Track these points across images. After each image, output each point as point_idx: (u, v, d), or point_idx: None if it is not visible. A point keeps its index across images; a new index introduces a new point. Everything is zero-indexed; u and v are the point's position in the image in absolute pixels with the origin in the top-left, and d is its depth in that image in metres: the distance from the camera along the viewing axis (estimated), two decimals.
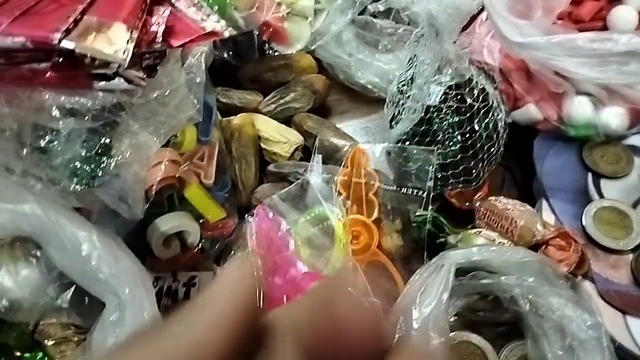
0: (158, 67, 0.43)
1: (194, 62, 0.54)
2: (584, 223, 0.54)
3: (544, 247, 0.52)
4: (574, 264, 0.50)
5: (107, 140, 0.41)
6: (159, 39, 0.38)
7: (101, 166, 0.42)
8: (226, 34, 0.41)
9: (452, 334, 0.49)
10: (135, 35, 0.36)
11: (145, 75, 0.40)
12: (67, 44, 0.34)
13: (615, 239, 0.52)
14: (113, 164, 0.42)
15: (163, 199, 0.52)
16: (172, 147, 0.53)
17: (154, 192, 0.50)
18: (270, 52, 0.72)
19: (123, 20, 0.36)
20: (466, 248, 0.46)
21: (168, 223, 0.52)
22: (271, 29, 0.71)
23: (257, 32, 0.71)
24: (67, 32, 0.34)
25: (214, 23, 0.41)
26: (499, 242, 0.52)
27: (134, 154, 0.43)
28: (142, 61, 0.39)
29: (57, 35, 0.34)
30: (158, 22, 0.39)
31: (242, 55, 0.72)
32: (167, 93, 0.45)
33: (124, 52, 0.35)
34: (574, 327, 0.45)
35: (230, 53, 0.71)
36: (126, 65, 0.35)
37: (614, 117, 0.57)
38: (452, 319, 0.50)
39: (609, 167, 0.58)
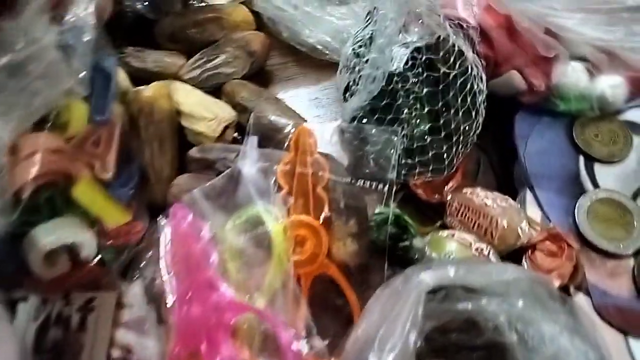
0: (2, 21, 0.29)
1: (80, 15, 0.41)
2: (577, 220, 0.45)
3: (530, 251, 0.43)
4: (567, 275, 0.41)
5: None
6: None
7: None
8: None
9: None
10: None
11: None
12: None
13: (614, 239, 0.44)
14: None
15: (40, 203, 0.41)
16: (51, 131, 0.41)
17: (26, 195, 0.39)
18: (195, 3, 0.62)
19: None
20: (439, 267, 0.36)
21: (48, 234, 0.41)
22: None
23: None
24: None
25: None
26: (477, 247, 0.43)
27: None
28: None
29: None
30: None
31: (159, 6, 0.60)
32: (22, 58, 0.32)
33: None
34: None
35: (145, 3, 0.59)
36: None
37: (611, 87, 0.49)
38: (417, 344, 0.41)
39: (604, 148, 0.49)
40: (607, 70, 0.48)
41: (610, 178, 0.48)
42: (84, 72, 0.39)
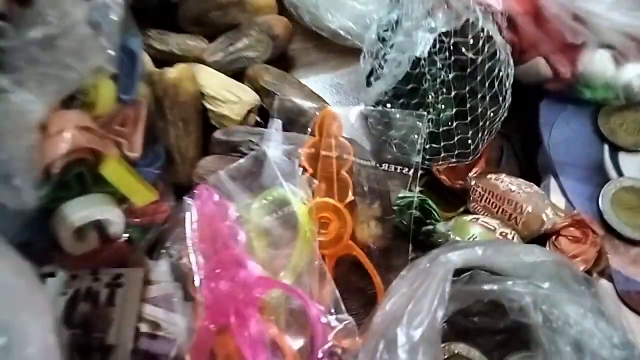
0: None
1: None
2: (600, 208, 0.45)
3: (554, 237, 0.44)
4: (591, 261, 0.42)
5: None
6: None
7: None
8: None
9: (443, 345, 0.41)
10: None
11: (14, 5, 0.27)
12: None
13: (638, 227, 0.45)
14: None
15: (70, 179, 0.41)
16: (81, 109, 0.41)
17: (57, 171, 0.39)
18: None
19: None
20: (466, 247, 0.37)
21: (78, 210, 0.41)
22: None
23: None
24: None
25: None
26: (501, 232, 0.43)
27: (8, 121, 0.31)
28: None
29: None
30: None
31: None
32: (55, 33, 0.32)
33: None
34: (595, 344, 0.36)
35: None
36: None
37: (638, 76, 0.49)
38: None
39: (629, 137, 0.50)
40: (634, 59, 0.48)
41: (635, 167, 0.48)
42: (112, 51, 0.40)
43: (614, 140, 0.49)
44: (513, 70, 0.46)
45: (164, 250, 0.46)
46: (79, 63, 0.33)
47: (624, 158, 0.48)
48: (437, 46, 0.44)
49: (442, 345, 0.41)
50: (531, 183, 0.46)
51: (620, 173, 0.48)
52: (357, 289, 0.44)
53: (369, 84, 0.50)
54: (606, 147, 0.49)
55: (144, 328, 0.42)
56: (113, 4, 0.41)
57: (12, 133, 0.31)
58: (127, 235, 0.46)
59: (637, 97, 0.50)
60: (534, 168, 0.51)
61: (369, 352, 0.34)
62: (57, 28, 0.31)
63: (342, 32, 0.60)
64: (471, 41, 0.43)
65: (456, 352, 0.41)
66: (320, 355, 0.35)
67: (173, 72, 0.50)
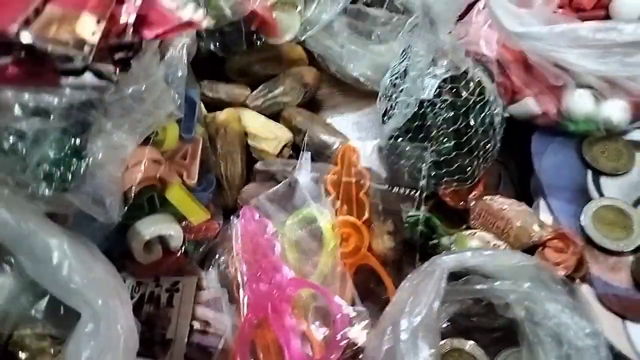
0: (132, 61, 0.40)
1: (175, 55, 0.51)
2: (582, 223, 0.52)
3: (541, 248, 0.50)
4: (572, 267, 0.48)
5: (78, 141, 0.39)
6: (130, 30, 0.35)
7: (72, 169, 0.39)
8: (204, 24, 0.38)
9: (444, 341, 0.47)
10: (102, 26, 0.33)
11: (117, 70, 0.38)
12: (26, 37, 0.31)
13: (616, 240, 0.50)
14: (85, 166, 0.40)
15: (143, 201, 0.49)
16: (152, 146, 0.50)
17: (133, 194, 0.47)
18: (259, 43, 0.68)
19: (89, 10, 0.33)
20: (459, 252, 0.44)
21: (149, 226, 0.49)
22: (259, 19, 0.67)
23: (245, 22, 0.67)
24: (27, 22, 0.31)
25: (191, 12, 0.38)
26: (494, 244, 0.50)
27: (107, 154, 0.41)
28: (113, 54, 0.37)
29: (15, 27, 0.31)
30: (129, 12, 0.36)
31: (229, 46, 0.68)
32: (143, 88, 0.42)
33: (88, 45, 0.32)
34: (571, 335, 0.43)
35: (217, 44, 0.68)
36: (90, 60, 0.32)
37: (615, 110, 0.55)
38: (444, 325, 0.48)
39: (609, 163, 0.55)
40: (611, 96, 0.55)
41: (614, 189, 0.54)
42: (179, 100, 0.50)
43: (596, 166, 0.55)
44: (502, 109, 0.53)
45: (214, 261, 0.54)
46: (158, 110, 0.43)
47: (605, 181, 0.54)
48: (438, 90, 0.52)
49: (444, 340, 0.48)
50: (522, 202, 0.53)
51: (601, 194, 0.54)
52: (374, 293, 0.50)
53: (383, 122, 0.58)
54: (589, 172, 0.55)
55: (196, 325, 0.49)
56: (180, 62, 0.51)
57: (109, 163, 0.41)
58: (184, 248, 0.52)
59: (616, 129, 0.56)
60: (527, 191, 0.58)
61: (379, 335, 0.42)
62: (144, 85, 0.41)
63: (362, 79, 0.67)
64: (465, 86, 0.51)
65: (455, 346, 0.48)
66: (339, 338, 0.43)
67: (222, 115, 0.60)
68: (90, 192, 0.42)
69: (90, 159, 0.39)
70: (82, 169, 0.40)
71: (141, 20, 0.37)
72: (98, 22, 0.33)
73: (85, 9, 0.33)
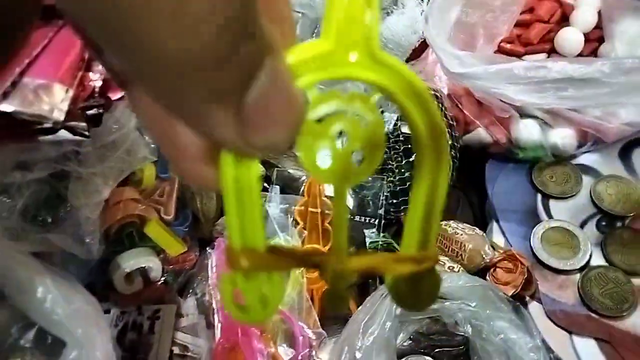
0: (104, 116, 0.45)
1: None
2: (532, 244, 0.55)
3: (492, 269, 0.54)
4: (519, 286, 0.51)
5: (57, 189, 0.43)
6: (96, 94, 0.40)
7: (52, 213, 0.44)
8: None
9: (404, 358, 0.51)
10: (70, 93, 0.38)
11: (90, 126, 0.42)
12: (5, 107, 0.36)
13: (563, 259, 0.54)
14: (64, 210, 0.44)
15: (123, 237, 0.53)
16: (131, 185, 0.55)
17: (113, 231, 0.52)
18: None
19: (60, 81, 0.38)
20: None
21: (129, 260, 0.53)
22: None
23: None
24: (5, 95, 0.36)
25: None
26: (449, 267, 0.54)
27: (85, 199, 0.45)
28: (84, 113, 0.41)
29: None
30: (96, 78, 0.41)
31: None
32: (115, 139, 0.47)
33: (58, 111, 0.37)
34: (517, 350, 0.46)
35: None
36: (60, 123, 0.37)
37: (561, 138, 0.59)
38: (406, 343, 0.52)
39: (557, 187, 0.59)
40: (555, 125, 0.60)
41: (562, 211, 0.58)
42: (153, 144, 0.54)
43: (545, 190, 0.59)
44: (454, 141, 0.58)
45: (192, 290, 0.57)
46: (131, 157, 0.48)
47: (554, 204, 0.58)
48: (392, 125, 0.57)
49: (404, 358, 0.51)
50: (474, 227, 0.56)
51: (550, 216, 0.58)
52: (341, 315, 0.55)
53: None
54: (539, 195, 0.59)
55: (176, 350, 0.53)
56: None
57: (87, 207, 0.46)
58: (163, 278, 0.56)
59: (564, 154, 0.60)
60: (484, 214, 0.62)
61: (337, 355, 0.46)
62: (117, 136, 0.46)
63: None
64: None
65: None
66: (300, 359, 0.46)
67: None
68: (70, 233, 0.46)
69: (70, 204, 0.44)
70: (62, 213, 0.45)
71: (108, 84, 0.42)
72: (67, 91, 0.38)
73: (56, 80, 0.38)
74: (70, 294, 0.45)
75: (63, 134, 0.40)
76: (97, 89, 0.40)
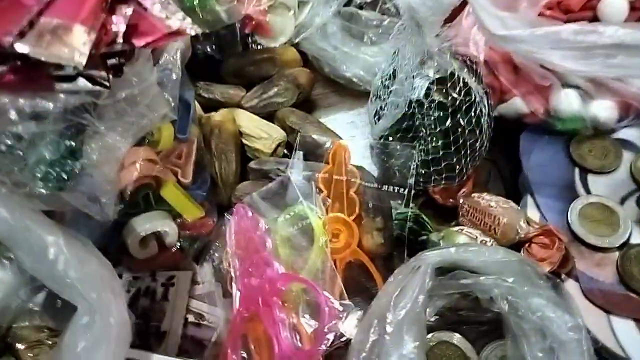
0: (125, 67, 0.41)
1: (169, 59, 0.53)
2: (569, 220, 0.53)
3: (527, 245, 0.51)
4: (557, 263, 0.49)
5: (72, 143, 0.40)
6: (120, 39, 0.37)
7: (67, 169, 0.41)
8: (192, 32, 0.40)
9: (432, 334, 0.49)
10: (92, 36, 0.35)
11: (110, 76, 0.39)
12: (21, 48, 0.33)
13: (601, 236, 0.51)
14: (79, 166, 0.41)
15: (139, 199, 0.51)
16: (148, 146, 0.52)
17: (129, 193, 0.49)
18: (254, 45, 0.71)
19: (81, 22, 0.35)
20: (444, 248, 0.45)
21: (144, 223, 0.51)
22: (254, 22, 0.69)
23: (240, 25, 0.69)
24: (22, 34, 0.33)
25: (179, 21, 0.39)
26: (482, 240, 0.51)
27: (102, 156, 0.42)
28: (105, 61, 0.38)
29: (9, 39, 0.32)
30: (119, 22, 0.37)
31: (224, 49, 0.70)
32: (136, 92, 0.43)
33: (79, 54, 0.34)
34: (555, 329, 0.44)
35: (213, 47, 0.70)
36: (82, 68, 0.34)
37: (602, 110, 0.56)
38: (433, 319, 0.50)
39: (596, 161, 0.56)
40: (597, 96, 0.56)
41: (601, 186, 0.55)
42: (173, 102, 0.51)
43: (584, 164, 0.56)
44: (489, 109, 0.54)
45: (208, 257, 0.55)
46: (151, 113, 0.44)
47: (592, 179, 0.55)
48: (427, 91, 0.53)
49: (431, 334, 0.49)
50: (508, 200, 0.54)
51: (588, 192, 0.55)
52: (364, 288, 0.52)
53: (374, 122, 0.60)
54: (577, 170, 0.56)
55: (191, 318, 0.51)
56: (174, 66, 0.53)
57: (104, 164, 0.43)
58: (179, 244, 0.54)
59: (603, 127, 0.57)
60: (516, 188, 0.59)
61: (365, 329, 0.43)
62: (137, 89, 0.43)
63: (355, 80, 0.68)
64: (452, 87, 0.52)
65: (442, 339, 0.49)
66: (326, 330, 0.44)
67: (217, 116, 0.62)
68: (85, 192, 0.43)
69: (85, 160, 0.41)
70: (77, 170, 0.42)
71: (131, 30, 0.38)
72: (89, 33, 0.34)
73: (77, 21, 0.35)
74: (84, 256, 0.42)
75: (82, 82, 0.37)
76: (119, 35, 0.37)
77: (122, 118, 0.43)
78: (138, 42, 0.38)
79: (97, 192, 0.45)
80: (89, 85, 0.38)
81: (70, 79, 0.37)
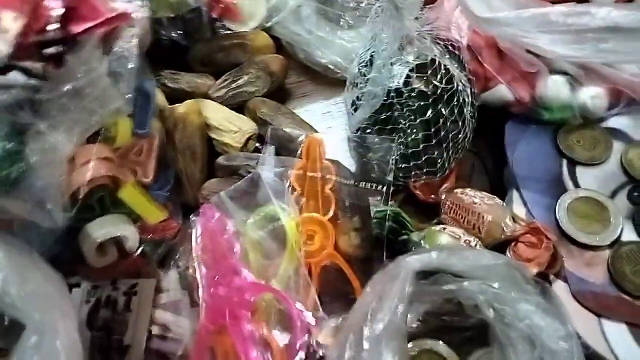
0: (67, 56, 0.37)
1: (125, 46, 0.48)
2: (557, 216, 0.50)
3: (513, 244, 0.48)
4: (545, 263, 0.46)
5: (9, 145, 0.36)
6: (54, 25, 0.32)
7: (4, 174, 0.36)
8: (139, 15, 0.35)
9: (413, 342, 0.46)
10: (19, 23, 0.30)
11: (49, 67, 0.35)
12: None
13: (591, 233, 0.49)
14: (18, 171, 0.37)
15: (93, 202, 0.47)
16: (102, 143, 0.47)
17: (82, 195, 0.45)
18: (222, 30, 0.67)
19: (5, 5, 0.30)
20: (424, 252, 0.42)
21: (99, 229, 0.47)
22: (222, 5, 0.65)
23: (207, 9, 0.64)
24: None
25: (125, 3, 0.35)
26: (465, 240, 0.48)
27: (45, 157, 0.38)
28: (39, 51, 0.34)
29: None
30: (56, 6, 0.33)
31: (191, 34, 0.66)
32: (82, 85, 0.39)
33: (3, 43, 0.29)
34: (544, 337, 0.41)
35: (178, 32, 0.66)
36: (6, 59, 0.29)
37: (591, 97, 0.54)
38: (415, 325, 0.46)
39: (585, 153, 0.54)
40: (587, 82, 0.53)
41: (590, 179, 0.52)
42: (129, 94, 0.47)
43: (572, 155, 0.53)
44: (472, 97, 0.51)
45: (173, 262, 0.51)
46: (101, 108, 0.40)
47: (581, 171, 0.52)
48: (406, 79, 0.50)
49: (413, 342, 0.46)
50: (493, 196, 0.50)
51: (577, 185, 0.52)
52: (342, 293, 0.48)
53: (351, 113, 0.56)
54: (565, 162, 0.53)
55: (155, 330, 0.47)
56: (130, 54, 0.48)
57: (47, 166, 0.38)
58: (141, 249, 0.50)
59: (593, 116, 0.54)
60: (501, 182, 0.56)
61: (340, 345, 0.40)
62: (84, 81, 0.38)
63: (331, 67, 0.65)
64: (433, 75, 0.49)
65: (425, 347, 0.46)
66: (298, 347, 0.41)
67: (181, 108, 0.57)
68: (28, 198, 0.39)
69: (22, 164, 0.36)
70: (16, 174, 0.37)
71: (71, 14, 0.34)
72: (15, 18, 0.30)
73: (2, 6, 0.30)
74: (26, 271, 0.38)
75: (14, 76, 0.33)
76: (52, 20, 0.32)
77: (67, 114, 0.39)
78: (77, 28, 0.34)
79: (43, 197, 0.41)
80: (23, 78, 0.33)
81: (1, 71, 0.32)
